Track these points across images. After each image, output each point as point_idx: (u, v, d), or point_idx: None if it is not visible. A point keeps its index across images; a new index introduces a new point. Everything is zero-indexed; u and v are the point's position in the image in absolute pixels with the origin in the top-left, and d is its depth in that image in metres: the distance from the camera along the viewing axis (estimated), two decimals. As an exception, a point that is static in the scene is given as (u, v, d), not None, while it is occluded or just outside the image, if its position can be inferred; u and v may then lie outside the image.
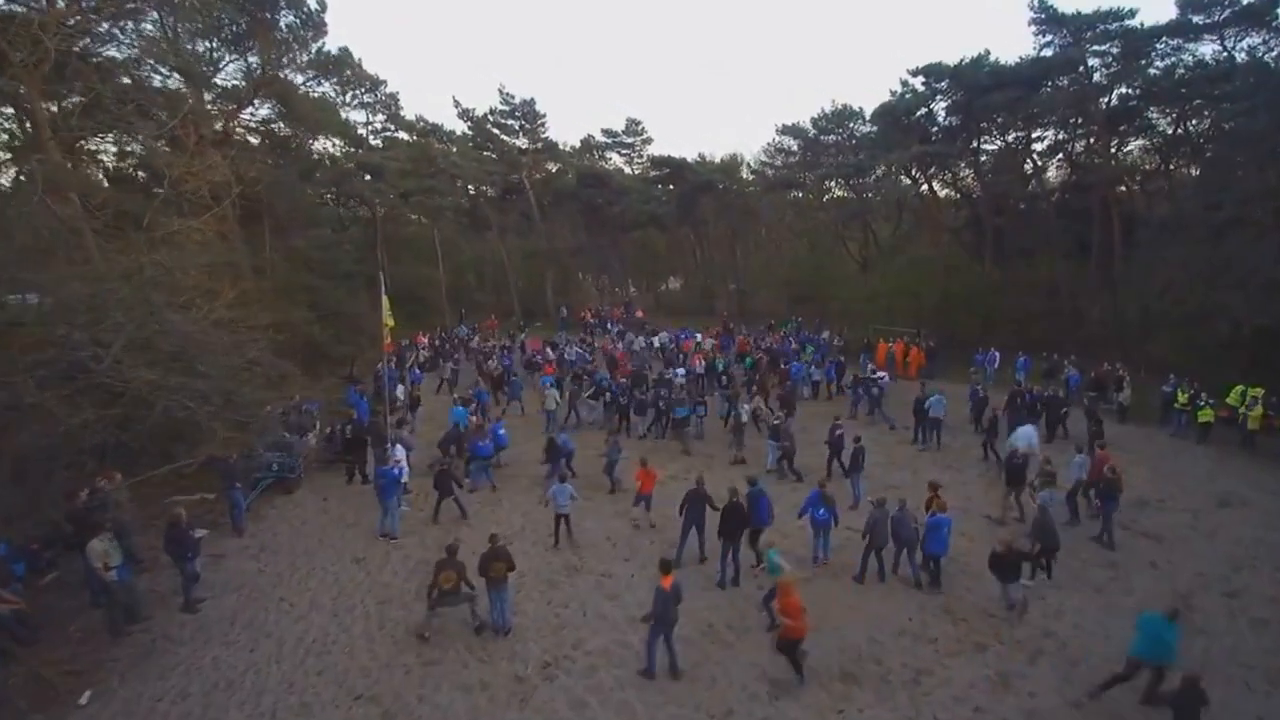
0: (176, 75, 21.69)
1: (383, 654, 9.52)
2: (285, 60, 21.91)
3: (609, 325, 39.17)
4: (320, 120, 24.40)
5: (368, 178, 32.35)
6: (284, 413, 17.25)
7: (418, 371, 24.09)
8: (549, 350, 26.90)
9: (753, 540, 11.86)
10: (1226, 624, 10.09)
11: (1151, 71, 27.65)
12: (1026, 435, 15.51)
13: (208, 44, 22.17)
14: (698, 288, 52.05)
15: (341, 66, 24.83)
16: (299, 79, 23.74)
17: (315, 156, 28.27)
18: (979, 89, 28.95)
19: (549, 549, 12.54)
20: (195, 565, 10.99)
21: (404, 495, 14.60)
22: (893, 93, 33.13)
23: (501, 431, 16.88)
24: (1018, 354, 25.17)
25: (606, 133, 47.26)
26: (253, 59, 22.02)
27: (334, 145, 32.33)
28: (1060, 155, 33.15)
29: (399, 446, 14.14)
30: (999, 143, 33.49)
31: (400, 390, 21.00)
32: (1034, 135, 32.24)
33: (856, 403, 22.05)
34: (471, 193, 42.98)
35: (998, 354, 26.18)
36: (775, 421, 17.00)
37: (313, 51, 23.37)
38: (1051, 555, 11.19)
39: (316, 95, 27.93)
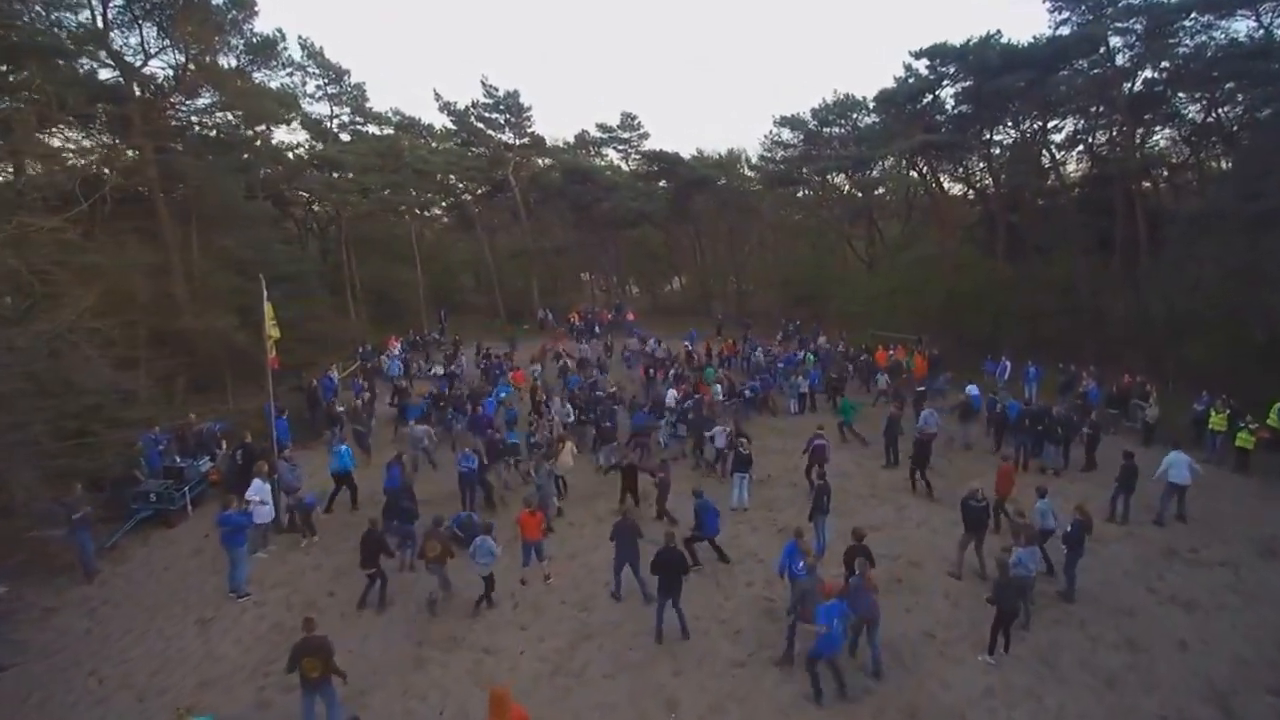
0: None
1: (167, 766, 7.44)
2: (217, 43, 19.99)
3: (596, 329, 37.10)
4: (264, 110, 22.45)
5: (334, 175, 30.52)
6: (178, 435, 15.30)
7: (359, 383, 22.05)
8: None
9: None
10: (1278, 738, 7.67)
11: (1180, 51, 24.89)
12: (1183, 464, 13.02)
13: (141, 32, 20.41)
14: (698, 288, 49.84)
15: (274, 49, 22.87)
16: (232, 62, 21.90)
17: (262, 148, 26.27)
18: (989, 72, 26.31)
19: (429, 616, 10.21)
20: (-14, 631, 9.01)
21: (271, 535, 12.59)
22: (896, 79, 30.61)
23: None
24: (1027, 362, 22.69)
25: (601, 127, 45.23)
26: (186, 45, 20.12)
27: (298, 139, 30.58)
28: (1080, 147, 30.43)
29: (256, 481, 11.93)
30: (1013, 133, 30.86)
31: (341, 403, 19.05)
32: (1051, 125, 29.57)
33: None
34: (460, 189, 41.18)
35: (1009, 364, 23.59)
36: (745, 451, 14.55)
37: (245, 34, 21.53)
38: (1008, 623, 8.89)
39: (274, 86, 26.26)
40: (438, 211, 47.47)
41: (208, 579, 11.43)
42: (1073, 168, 32.34)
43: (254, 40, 22.17)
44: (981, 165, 32.85)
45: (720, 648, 9.24)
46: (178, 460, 14.45)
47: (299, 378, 22.69)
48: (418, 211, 39.64)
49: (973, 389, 19.67)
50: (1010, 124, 30.20)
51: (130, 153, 20.56)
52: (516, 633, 9.70)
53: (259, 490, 11.68)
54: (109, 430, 12.85)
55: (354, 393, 21.57)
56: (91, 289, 12.53)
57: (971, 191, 35.85)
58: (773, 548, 12.03)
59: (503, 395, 20.64)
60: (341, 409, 18.75)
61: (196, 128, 21.99)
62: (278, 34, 22.82)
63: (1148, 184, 28.66)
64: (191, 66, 20.39)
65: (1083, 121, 28.80)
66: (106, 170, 21.08)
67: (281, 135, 29.04)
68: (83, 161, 17.38)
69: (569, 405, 18.50)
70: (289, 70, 24.39)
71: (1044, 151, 30.38)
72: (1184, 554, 11.90)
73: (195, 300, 19.48)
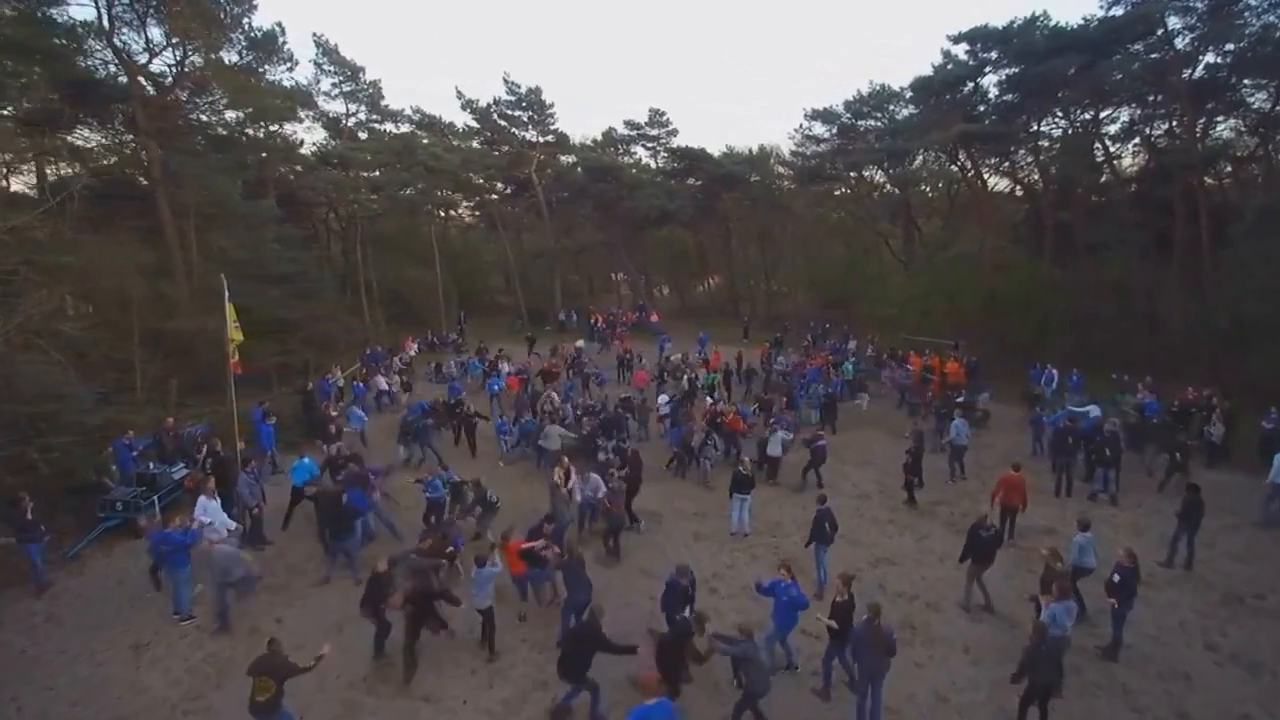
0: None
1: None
2: (212, 36, 19.53)
3: (617, 329, 36.11)
4: (267, 107, 21.98)
5: (347, 173, 30.08)
6: (157, 440, 14.72)
7: (361, 385, 21.40)
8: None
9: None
10: None
11: (1245, 33, 22.56)
12: None
13: (146, 30, 20.16)
14: (728, 290, 48.47)
15: (275, 44, 22.39)
16: (235, 59, 21.47)
17: (272, 146, 25.90)
18: (1034, 56, 24.40)
19: (366, 653, 9.13)
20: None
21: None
22: (935, 66, 28.83)
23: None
24: (1071, 370, 20.93)
25: (629, 124, 44.02)
26: (183, 40, 19.75)
27: (315, 138, 30.29)
28: (1137, 139, 28.15)
29: (201, 499, 11.07)
30: (1063, 124, 28.75)
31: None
32: (1104, 115, 27.41)
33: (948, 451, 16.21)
34: (484, 188, 40.57)
35: (1055, 372, 21.81)
36: (745, 472, 13.03)
37: (245, 29, 21.09)
38: (1045, 696, 7.43)
39: (288, 84, 26.00)
40: (464, 211, 47.17)
41: (158, 597, 10.65)
42: (1129, 161, 30.28)
43: (255, 36, 21.76)
44: (1028, 159, 30.86)
45: (695, 705, 8.00)
46: (151, 466, 13.85)
47: (305, 378, 22.26)
48: (441, 212, 39.13)
49: (1094, 408, 17.51)
50: (1060, 114, 28.17)
51: (141, 152, 20.43)
52: (465, 679, 8.62)
53: (203, 508, 10.83)
54: (59, 436, 12.18)
55: (355, 395, 21.02)
56: (53, 290, 11.94)
57: (1018, 187, 33.80)
58: (773, 581, 10.85)
59: (496, 388, 20.82)
60: (335, 413, 18.07)
61: (198, 125, 21.66)
62: (277, 28, 22.43)
63: (1210, 179, 26.36)
64: (196, 60, 20.03)
65: (1139, 111, 26.63)
66: (127, 170, 21.09)
67: (302, 134, 28.68)
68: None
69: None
70: (288, 65, 23.84)
71: (1096, 144, 28.28)
72: (1249, 601, 10.24)
73: (192, 300, 19.05)
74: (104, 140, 22.14)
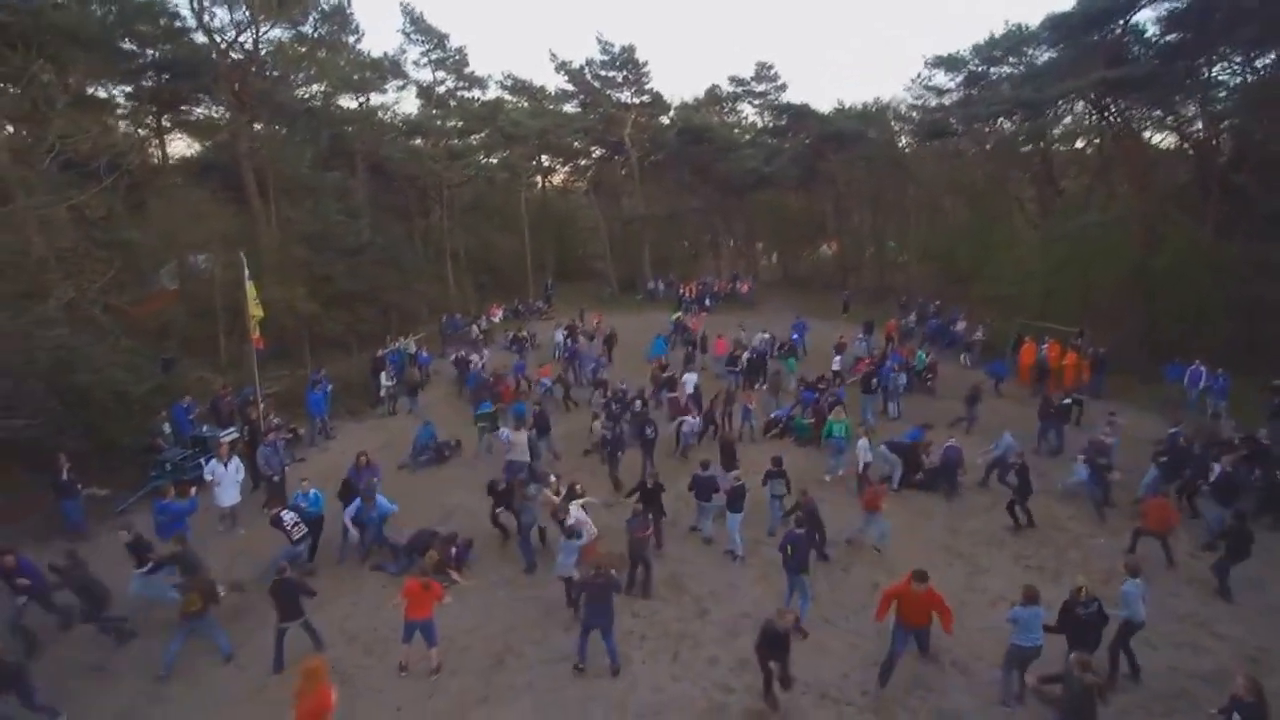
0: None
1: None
2: (285, 10, 19.91)
3: (706, 301, 34.65)
4: (341, 77, 22.42)
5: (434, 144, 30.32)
6: (212, 404, 15.53)
7: (425, 355, 21.75)
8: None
9: None
10: None
11: None
12: None
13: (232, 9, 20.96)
14: (837, 259, 45.16)
15: (344, 15, 22.59)
16: (307, 30, 21.93)
17: (359, 117, 26.57)
18: (1198, -15, 20.01)
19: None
20: None
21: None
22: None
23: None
24: (1216, 371, 17.39)
25: (734, 80, 41.47)
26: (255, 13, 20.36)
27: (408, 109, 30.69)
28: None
29: (212, 463, 11.41)
30: (1242, 70, 23.63)
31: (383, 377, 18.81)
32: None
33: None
34: (577, 152, 40.02)
35: (1204, 370, 18.18)
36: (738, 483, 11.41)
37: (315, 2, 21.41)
38: None
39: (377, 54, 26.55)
40: (564, 176, 46.98)
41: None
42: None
43: (324, 8, 22.12)
44: (1195, 110, 25.70)
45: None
46: (204, 429, 14.63)
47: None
48: (536, 178, 39.10)
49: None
50: (1236, 57, 23.15)
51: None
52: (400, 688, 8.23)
53: (210, 470, 11.24)
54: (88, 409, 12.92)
55: (419, 364, 21.38)
56: (102, 267, 12.59)
57: (1186, 144, 28.37)
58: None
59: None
60: (390, 383, 18.51)
61: (280, 99, 22.44)
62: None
63: None
64: (276, 34, 20.66)
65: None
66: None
67: (396, 104, 29.30)
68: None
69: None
70: (357, 36, 24.01)
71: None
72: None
73: (268, 271, 19.96)
74: (211, 115, 23.66)
